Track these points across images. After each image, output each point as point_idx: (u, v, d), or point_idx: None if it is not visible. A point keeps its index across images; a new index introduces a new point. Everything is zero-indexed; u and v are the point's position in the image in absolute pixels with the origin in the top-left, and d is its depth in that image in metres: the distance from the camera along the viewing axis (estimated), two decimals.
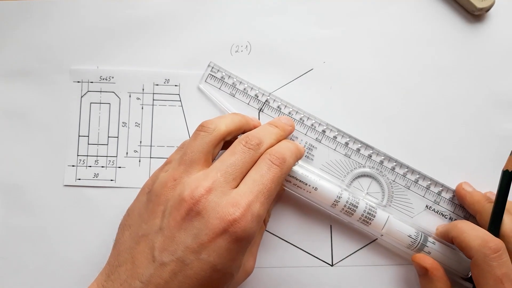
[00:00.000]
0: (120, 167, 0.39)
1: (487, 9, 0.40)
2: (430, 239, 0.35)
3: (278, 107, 0.39)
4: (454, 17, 0.41)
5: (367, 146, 0.38)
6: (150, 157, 0.39)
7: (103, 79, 0.40)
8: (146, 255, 0.28)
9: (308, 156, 0.38)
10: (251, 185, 0.29)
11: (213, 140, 0.31)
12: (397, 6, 0.42)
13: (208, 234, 0.27)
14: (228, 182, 0.29)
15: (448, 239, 0.35)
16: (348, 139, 0.38)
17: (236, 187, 0.29)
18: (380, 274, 0.37)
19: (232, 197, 0.28)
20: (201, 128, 0.32)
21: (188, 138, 0.39)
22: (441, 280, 0.33)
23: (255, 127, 0.35)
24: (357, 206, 0.35)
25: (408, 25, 0.41)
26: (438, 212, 0.38)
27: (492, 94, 0.40)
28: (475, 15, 0.41)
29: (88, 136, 0.39)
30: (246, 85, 0.40)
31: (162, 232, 0.28)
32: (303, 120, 0.39)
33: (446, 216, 0.38)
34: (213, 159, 0.32)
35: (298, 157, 0.34)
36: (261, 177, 0.29)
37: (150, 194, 0.31)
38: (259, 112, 0.39)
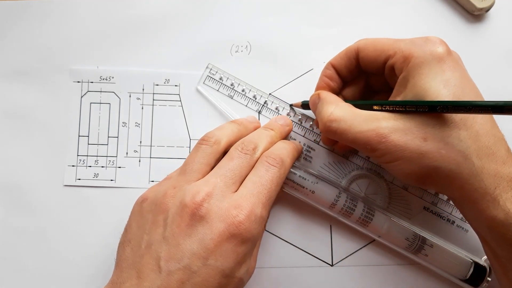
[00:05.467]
0: (120, 167, 0.39)
1: (487, 9, 0.40)
2: (428, 241, 0.35)
3: (276, 108, 0.39)
4: (454, 17, 0.41)
5: None
6: (150, 157, 0.39)
7: (103, 79, 0.40)
8: (152, 266, 0.27)
9: (306, 158, 0.38)
10: (251, 187, 0.29)
11: (214, 152, 0.31)
12: (397, 6, 0.41)
13: (213, 238, 0.27)
14: (228, 186, 0.29)
15: (350, 64, 0.34)
16: None
17: (236, 191, 0.29)
18: (380, 274, 0.37)
19: (234, 200, 0.28)
20: (202, 141, 0.32)
21: (188, 137, 0.39)
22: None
23: (255, 129, 0.36)
24: (354, 209, 0.35)
25: (408, 25, 0.41)
26: (436, 214, 0.38)
27: (492, 94, 0.40)
28: (475, 15, 0.41)
29: (88, 136, 0.39)
30: (244, 87, 0.40)
31: (167, 241, 0.27)
32: (301, 122, 0.39)
33: (443, 218, 0.38)
34: None
35: (296, 155, 0.34)
36: (260, 179, 0.30)
37: (148, 203, 0.30)
38: (258, 114, 0.39)
